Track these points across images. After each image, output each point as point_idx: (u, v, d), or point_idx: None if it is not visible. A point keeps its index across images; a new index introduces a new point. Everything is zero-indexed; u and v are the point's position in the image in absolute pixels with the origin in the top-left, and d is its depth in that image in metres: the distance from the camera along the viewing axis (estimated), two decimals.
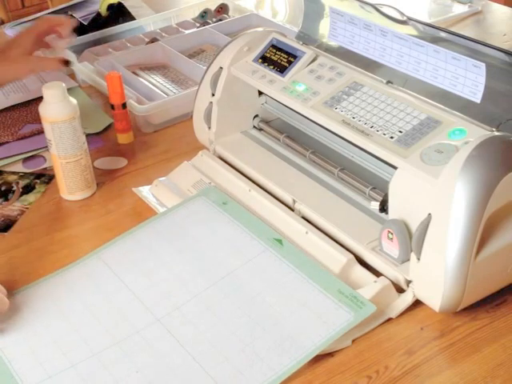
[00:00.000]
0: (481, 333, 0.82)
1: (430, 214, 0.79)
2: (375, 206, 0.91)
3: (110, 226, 1.03)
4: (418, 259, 0.81)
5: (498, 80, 0.86)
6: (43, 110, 1.05)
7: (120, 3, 1.65)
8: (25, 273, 0.95)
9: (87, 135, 1.12)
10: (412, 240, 0.81)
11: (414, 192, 0.83)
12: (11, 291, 0.90)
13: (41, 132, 1.15)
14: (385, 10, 1.00)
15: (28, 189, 1.13)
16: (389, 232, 0.85)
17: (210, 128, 1.12)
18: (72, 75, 1.44)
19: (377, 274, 0.87)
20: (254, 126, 1.14)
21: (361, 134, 0.89)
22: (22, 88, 1.40)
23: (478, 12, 1.67)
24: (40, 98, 1.04)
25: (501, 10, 1.70)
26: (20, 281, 0.93)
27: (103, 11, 1.63)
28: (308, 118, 0.99)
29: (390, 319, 0.84)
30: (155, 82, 1.39)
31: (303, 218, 0.96)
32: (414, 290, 0.84)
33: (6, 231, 1.04)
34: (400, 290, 0.86)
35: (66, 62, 1.13)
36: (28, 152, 1.22)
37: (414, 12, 1.05)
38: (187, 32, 1.57)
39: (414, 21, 0.97)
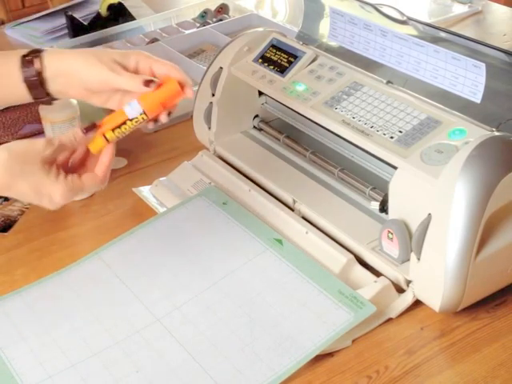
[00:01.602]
0: (481, 333, 0.82)
1: (429, 214, 0.79)
2: (375, 205, 0.91)
3: (110, 226, 1.03)
4: (418, 259, 0.81)
5: (498, 80, 0.86)
6: (43, 110, 1.05)
7: (120, 3, 1.65)
8: (25, 273, 0.95)
9: None
10: (412, 240, 0.81)
11: (414, 192, 0.83)
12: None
13: (41, 132, 1.15)
14: (385, 10, 1.00)
15: None
16: (389, 232, 0.85)
17: (210, 128, 1.12)
18: None
19: (377, 274, 0.87)
20: (254, 126, 1.14)
21: (361, 134, 0.89)
22: None
23: (478, 12, 1.67)
24: None
25: (501, 9, 1.70)
26: (20, 281, 0.93)
27: (103, 11, 1.63)
28: (308, 118, 0.99)
29: (390, 319, 0.84)
30: None
31: (303, 218, 0.96)
32: (414, 290, 0.84)
33: (5, 231, 1.04)
34: (400, 290, 0.86)
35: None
36: None
37: (414, 12, 1.05)
38: (187, 32, 1.57)
39: (414, 21, 0.97)
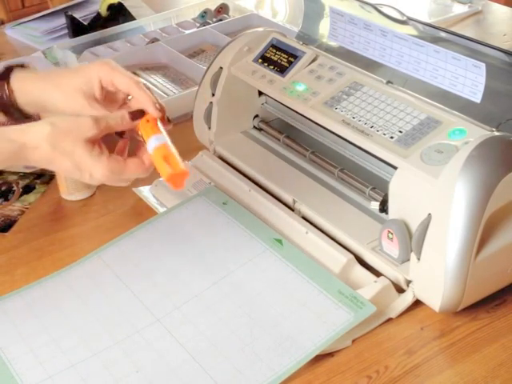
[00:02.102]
0: (481, 333, 0.82)
1: (429, 214, 0.79)
2: (375, 205, 0.91)
3: (110, 226, 1.03)
4: (418, 259, 0.81)
5: (497, 80, 0.86)
6: None
7: (120, 3, 1.65)
8: (25, 273, 0.95)
9: None
10: (412, 240, 0.81)
11: (414, 192, 0.83)
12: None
13: None
14: (385, 10, 1.00)
15: (28, 189, 1.13)
16: (389, 232, 0.85)
17: (210, 128, 1.12)
18: None
19: (377, 274, 0.87)
20: (254, 126, 1.14)
21: (361, 134, 0.89)
22: None
23: (478, 12, 1.67)
24: None
25: (501, 9, 1.70)
26: (20, 281, 0.93)
27: (103, 11, 1.64)
28: (308, 118, 0.99)
29: (390, 319, 0.84)
30: (155, 82, 1.39)
31: (303, 218, 0.96)
32: (414, 290, 0.84)
33: (6, 231, 1.04)
34: (400, 290, 0.86)
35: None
36: None
37: (413, 12, 1.05)
38: (187, 32, 1.57)
39: (414, 21, 0.97)
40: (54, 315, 0.87)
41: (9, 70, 0.87)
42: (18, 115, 0.88)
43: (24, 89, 0.86)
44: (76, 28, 1.59)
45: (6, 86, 0.86)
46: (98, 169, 0.78)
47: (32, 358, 0.82)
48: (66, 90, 0.84)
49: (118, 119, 0.80)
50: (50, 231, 1.03)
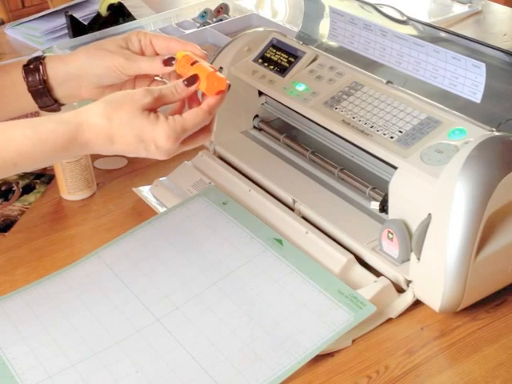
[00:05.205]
0: (481, 333, 0.82)
1: (430, 214, 0.79)
2: (375, 205, 0.91)
3: (110, 225, 1.03)
4: (418, 259, 0.81)
5: (498, 80, 0.86)
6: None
7: (120, 3, 1.65)
8: (25, 273, 0.95)
9: None
10: (412, 240, 0.81)
11: (413, 192, 0.83)
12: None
13: None
14: (385, 9, 1.00)
15: (28, 189, 1.13)
16: (389, 232, 0.85)
17: None
18: None
19: (377, 274, 0.87)
20: (254, 126, 1.14)
21: (361, 134, 0.89)
22: None
23: (478, 12, 1.67)
24: None
25: (501, 9, 1.70)
26: (20, 281, 0.93)
27: (103, 11, 1.63)
28: (308, 118, 0.99)
29: (390, 319, 0.84)
30: None
31: (303, 217, 0.96)
32: (414, 290, 0.84)
33: (6, 231, 1.04)
34: (400, 290, 0.86)
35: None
36: None
37: (413, 12, 1.05)
38: (187, 32, 1.57)
39: (414, 21, 0.98)
40: (53, 315, 0.87)
41: (39, 57, 0.88)
42: (48, 100, 0.88)
43: (60, 66, 0.87)
44: (76, 28, 1.59)
45: (41, 67, 0.87)
46: (159, 132, 0.75)
47: (32, 358, 0.82)
48: (107, 47, 0.86)
49: (172, 88, 0.79)
50: (50, 231, 1.03)
